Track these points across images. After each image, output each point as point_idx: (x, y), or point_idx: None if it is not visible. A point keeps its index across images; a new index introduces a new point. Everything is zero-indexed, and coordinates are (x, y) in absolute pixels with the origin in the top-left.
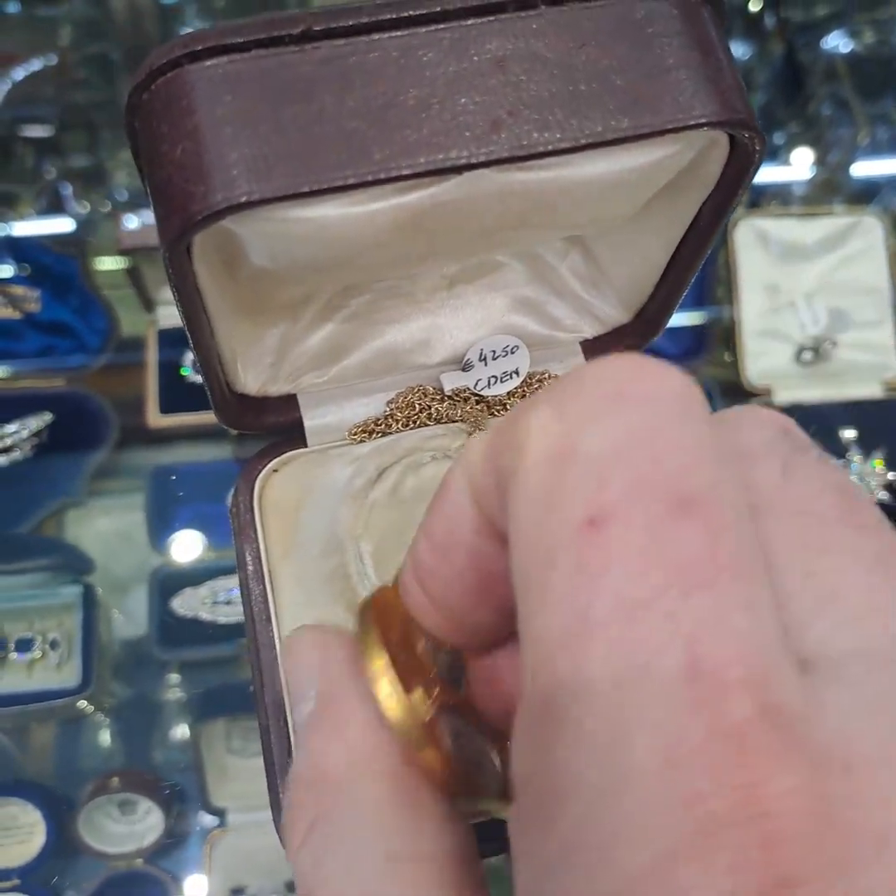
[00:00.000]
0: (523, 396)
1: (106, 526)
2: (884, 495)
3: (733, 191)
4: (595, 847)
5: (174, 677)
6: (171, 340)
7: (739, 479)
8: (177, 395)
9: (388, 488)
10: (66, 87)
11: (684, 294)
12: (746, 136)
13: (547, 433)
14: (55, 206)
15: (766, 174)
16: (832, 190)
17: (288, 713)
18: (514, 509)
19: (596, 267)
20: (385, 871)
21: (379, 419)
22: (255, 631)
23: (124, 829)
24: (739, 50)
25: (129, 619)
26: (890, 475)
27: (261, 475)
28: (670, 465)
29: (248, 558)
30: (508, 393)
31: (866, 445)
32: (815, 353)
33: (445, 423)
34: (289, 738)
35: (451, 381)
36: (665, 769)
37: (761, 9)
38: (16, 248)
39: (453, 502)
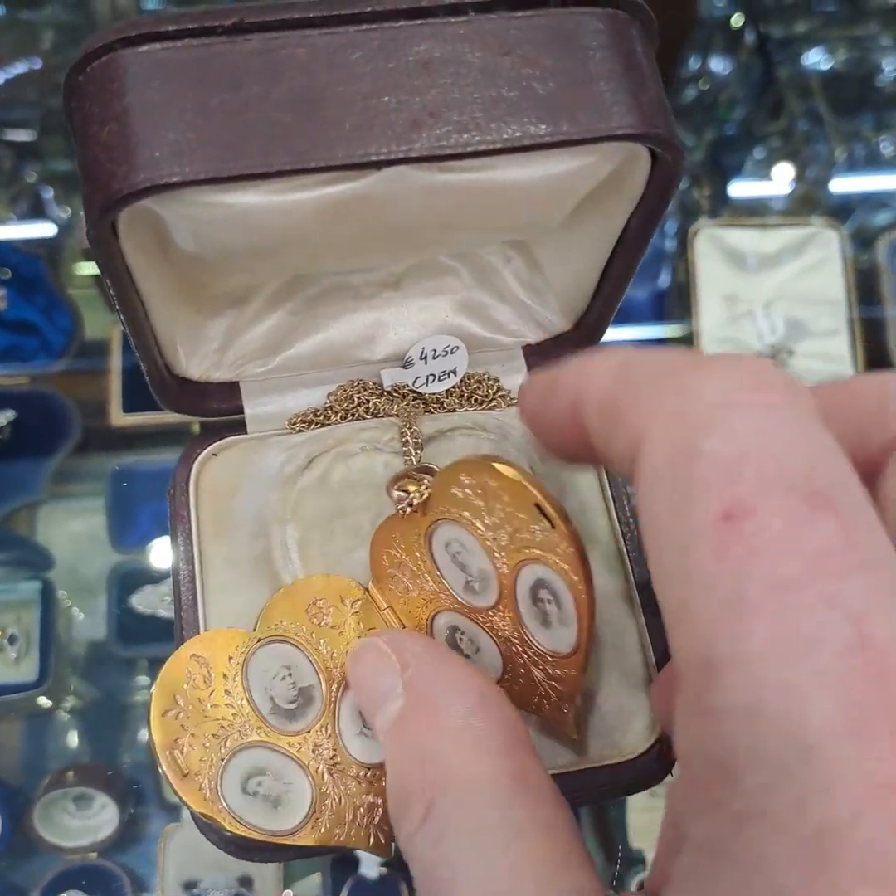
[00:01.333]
0: (460, 395)
1: (75, 526)
2: None
3: (658, 205)
4: (785, 806)
5: (134, 673)
6: None
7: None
8: (140, 394)
9: (318, 476)
10: (48, 90)
11: (618, 305)
12: (663, 151)
13: (676, 429)
14: (36, 211)
15: (746, 188)
16: (811, 205)
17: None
18: (647, 499)
19: (538, 273)
20: (508, 841)
21: (318, 410)
22: (181, 611)
23: (80, 823)
24: (720, 65)
25: (91, 617)
26: None
27: (199, 459)
28: (797, 462)
29: (180, 539)
30: (446, 392)
31: None
32: (771, 361)
33: (382, 416)
34: None
35: (391, 378)
36: (847, 734)
37: (743, 25)
38: None
39: (561, 389)
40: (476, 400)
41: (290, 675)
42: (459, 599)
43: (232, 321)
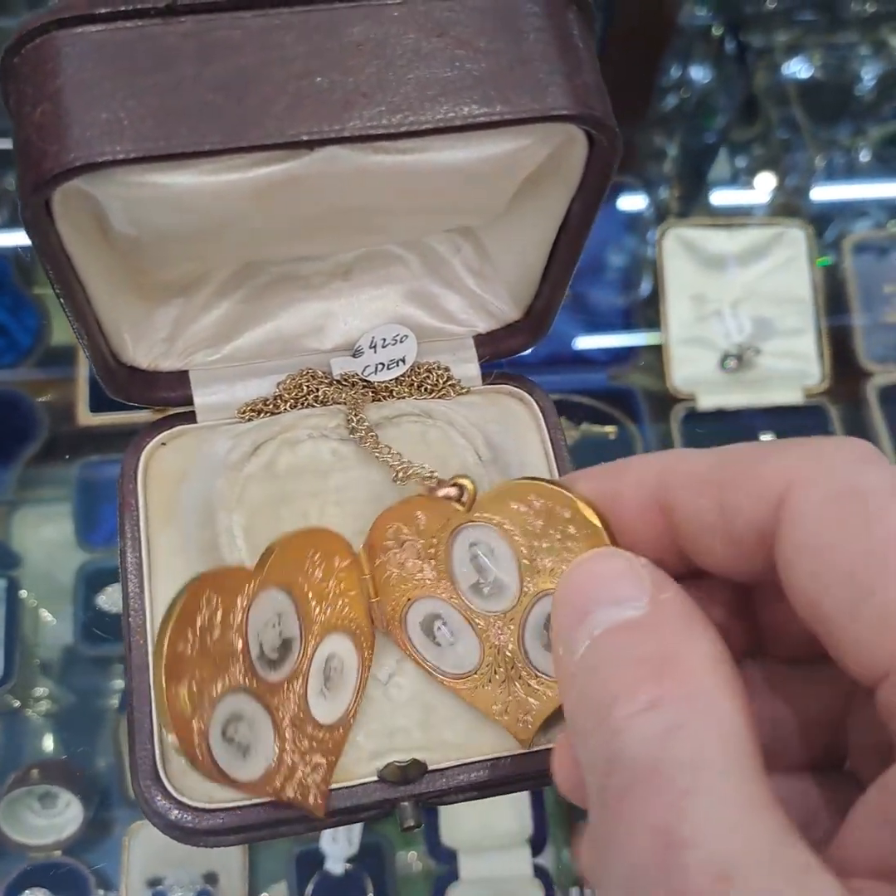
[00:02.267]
0: (410, 384)
1: (42, 527)
2: None
3: (597, 189)
4: None
5: (100, 672)
6: None
7: None
8: (106, 394)
9: (264, 463)
10: None
11: (566, 292)
12: (598, 134)
13: (832, 472)
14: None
15: (727, 196)
16: (791, 214)
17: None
18: (807, 530)
19: (487, 262)
20: (746, 793)
21: (267, 399)
22: (128, 598)
23: (44, 822)
24: (700, 73)
25: (58, 617)
26: None
27: (148, 448)
28: None
29: (128, 528)
30: (395, 379)
31: None
32: (738, 360)
33: (330, 405)
34: (150, 699)
35: (341, 366)
36: None
37: (722, 34)
38: None
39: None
40: (426, 389)
41: (279, 622)
42: (462, 595)
43: (180, 310)
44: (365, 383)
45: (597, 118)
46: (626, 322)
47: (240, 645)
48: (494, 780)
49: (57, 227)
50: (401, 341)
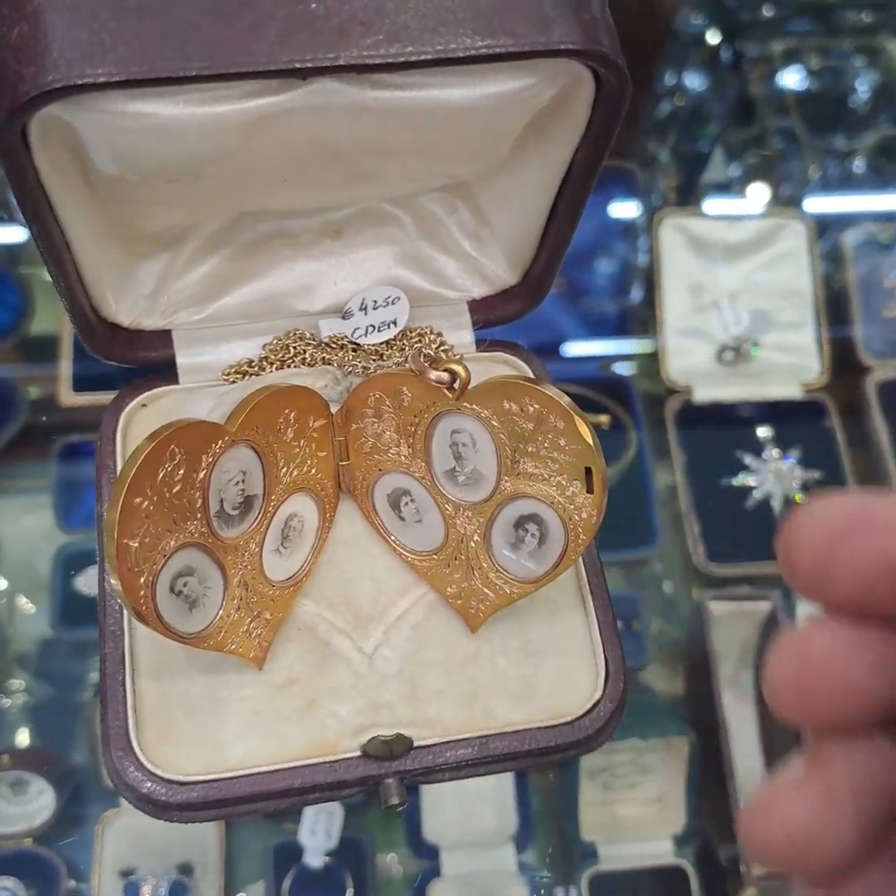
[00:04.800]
0: (401, 349)
1: (21, 509)
2: (800, 494)
3: (603, 134)
4: None
5: (77, 657)
6: None
7: None
8: (89, 372)
9: None
10: None
11: (565, 254)
12: (605, 71)
13: None
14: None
15: (721, 206)
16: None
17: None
18: None
19: (484, 223)
20: None
21: (252, 361)
22: (103, 561)
23: (15, 809)
24: (696, 81)
25: (35, 600)
26: (804, 474)
27: (127, 409)
28: None
29: (105, 489)
30: (386, 343)
31: (783, 444)
32: (736, 352)
33: (317, 366)
34: (124, 664)
35: (329, 328)
36: None
37: (720, 42)
38: None
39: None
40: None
41: (243, 480)
42: (435, 478)
43: (165, 266)
44: (354, 346)
45: (604, 55)
46: (621, 315)
47: (199, 502)
48: (482, 758)
49: (34, 160)
50: (392, 303)
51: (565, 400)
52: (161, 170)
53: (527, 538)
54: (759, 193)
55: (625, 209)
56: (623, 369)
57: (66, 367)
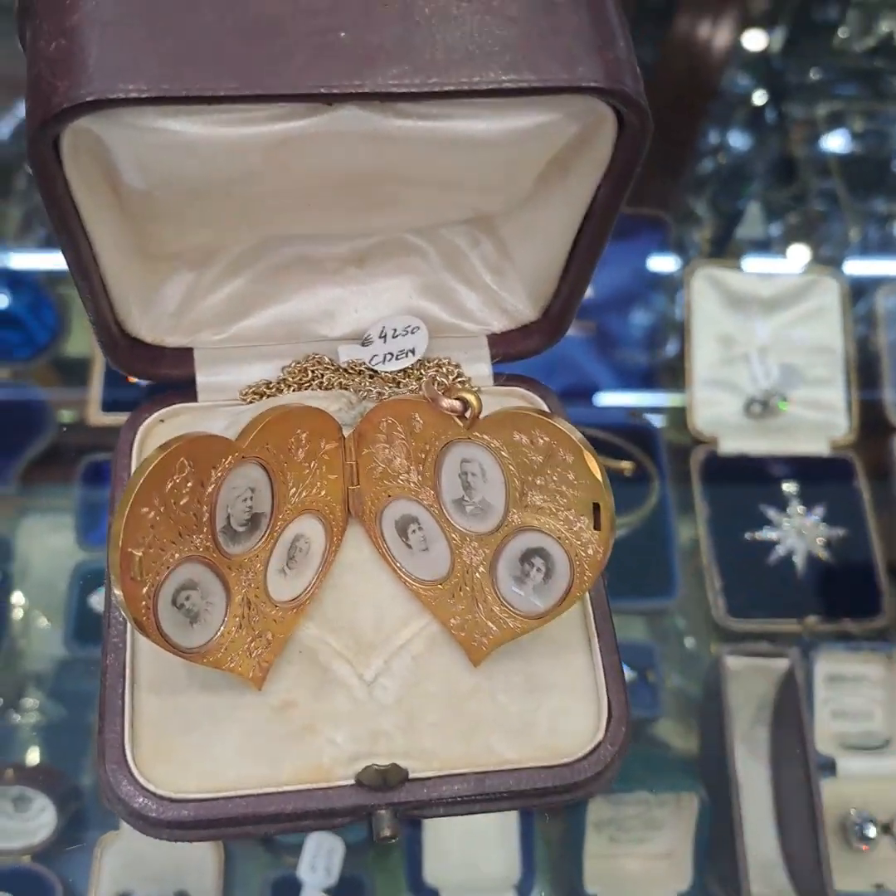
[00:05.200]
0: (418, 378)
1: (44, 525)
2: (823, 551)
3: (625, 173)
4: None
5: (89, 675)
6: None
7: None
8: (119, 394)
9: None
10: None
11: (585, 292)
12: (627, 111)
13: None
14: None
15: (760, 265)
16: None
17: None
18: None
19: (505, 255)
20: None
21: (271, 383)
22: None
23: (16, 825)
24: (740, 140)
25: (56, 627)
26: (829, 531)
27: (145, 424)
28: None
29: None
30: (403, 371)
31: (808, 500)
32: (764, 406)
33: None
34: (124, 677)
35: (348, 354)
36: None
37: (765, 103)
38: None
39: None
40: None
41: (251, 497)
42: (443, 506)
43: (191, 285)
44: (371, 372)
45: (627, 94)
46: (649, 363)
47: (207, 516)
48: (478, 795)
49: (65, 172)
50: (412, 332)
51: (576, 434)
52: (188, 188)
53: (532, 572)
54: (798, 254)
55: (658, 259)
56: (649, 417)
57: (97, 387)
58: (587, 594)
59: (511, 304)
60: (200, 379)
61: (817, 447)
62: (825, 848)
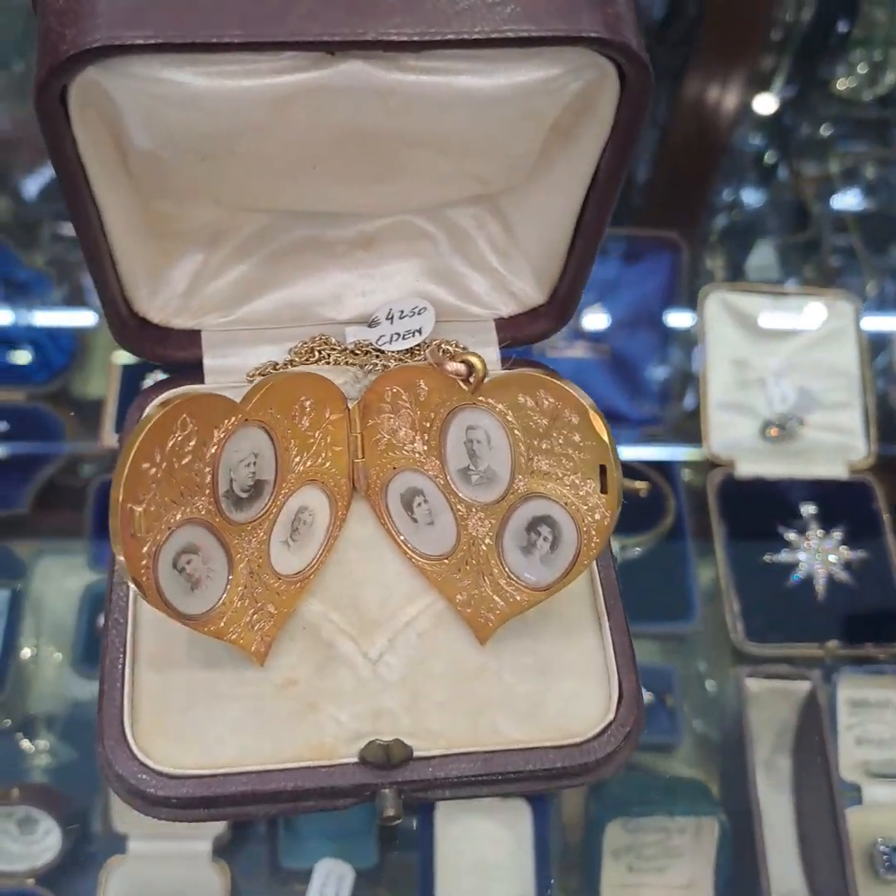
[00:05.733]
0: (424, 358)
1: (72, 582)
2: (843, 573)
3: (628, 137)
4: None
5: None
6: (138, 370)
7: None
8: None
9: None
10: None
11: (590, 271)
12: (628, 64)
13: None
14: (78, 299)
15: (776, 320)
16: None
17: None
18: None
19: (512, 237)
20: None
21: (278, 364)
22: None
23: (21, 848)
24: (753, 197)
25: (59, 638)
26: (849, 553)
27: (152, 406)
28: None
29: None
30: (409, 352)
31: (827, 522)
32: (781, 429)
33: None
34: (125, 649)
35: (355, 335)
36: None
37: (776, 161)
38: None
39: None
40: None
41: (255, 463)
42: (449, 476)
43: (199, 266)
44: (378, 352)
45: (628, 47)
46: (663, 386)
47: (209, 477)
48: (485, 775)
49: (72, 129)
50: (419, 313)
51: (581, 395)
52: (194, 146)
53: (539, 542)
54: (815, 311)
55: (671, 282)
56: (664, 440)
57: (111, 407)
58: (597, 575)
59: (518, 288)
60: (208, 361)
61: (835, 471)
62: (852, 879)
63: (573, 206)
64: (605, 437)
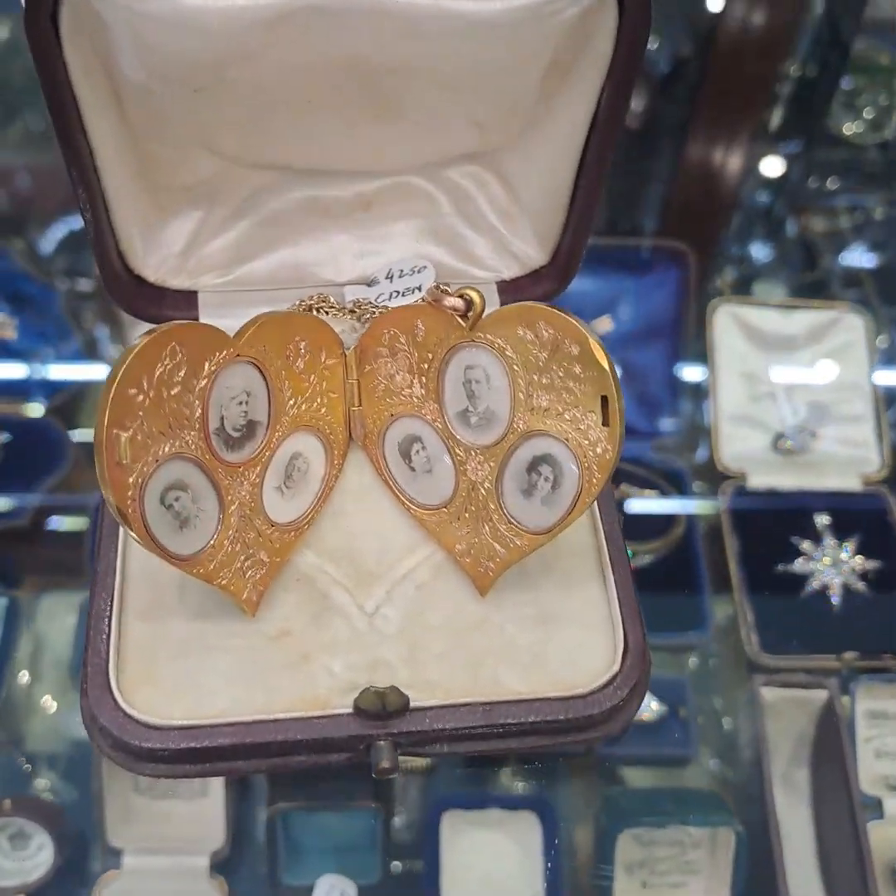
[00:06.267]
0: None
1: (73, 620)
2: (859, 583)
3: (627, 73)
4: None
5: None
6: None
7: None
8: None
9: None
10: None
11: (591, 227)
12: None
13: None
14: (91, 351)
15: (789, 375)
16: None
17: None
18: None
19: (512, 195)
20: None
21: None
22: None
23: (13, 864)
24: (761, 252)
25: (57, 655)
26: (865, 563)
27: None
28: None
29: None
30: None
31: (841, 533)
32: (793, 442)
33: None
34: (113, 597)
35: (354, 294)
36: None
37: (785, 217)
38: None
39: None
40: None
41: (247, 402)
42: (447, 420)
43: (198, 225)
44: (376, 310)
45: None
46: (673, 397)
47: (199, 412)
48: (486, 727)
49: (64, 56)
50: (419, 271)
51: (580, 323)
52: (184, 73)
53: (540, 482)
54: (828, 369)
55: (679, 294)
56: (674, 451)
57: None
58: (600, 528)
59: (520, 249)
60: (205, 322)
61: (849, 482)
62: (875, 894)
63: (573, 154)
64: (606, 365)
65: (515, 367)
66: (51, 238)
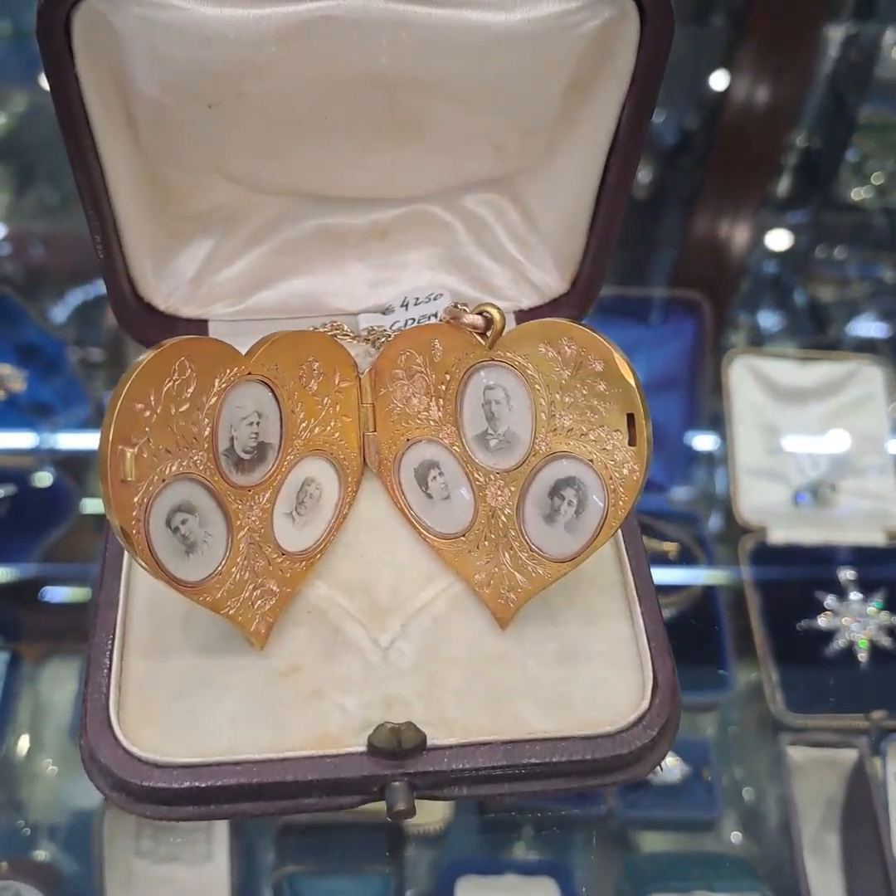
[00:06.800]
0: None
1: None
2: (886, 640)
3: (649, 87)
4: None
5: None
6: None
7: None
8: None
9: None
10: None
11: (611, 252)
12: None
13: None
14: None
15: (800, 444)
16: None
17: None
18: None
19: (531, 223)
20: None
21: None
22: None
23: None
24: (771, 320)
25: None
26: (892, 619)
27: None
28: None
29: None
30: None
31: (866, 587)
32: (813, 495)
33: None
34: (114, 635)
35: (368, 322)
36: None
37: (794, 287)
38: (8, 328)
39: None
40: None
41: (258, 423)
42: (466, 443)
43: (209, 253)
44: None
45: None
46: (689, 449)
47: (208, 430)
48: (508, 768)
49: (76, 66)
50: (435, 299)
51: (605, 338)
52: (199, 85)
53: (563, 507)
54: (847, 421)
55: (695, 345)
56: (693, 505)
57: None
58: (627, 564)
59: (538, 277)
60: (215, 338)
61: (872, 537)
62: None
63: (593, 177)
64: (632, 381)
65: (537, 386)
66: (65, 305)
